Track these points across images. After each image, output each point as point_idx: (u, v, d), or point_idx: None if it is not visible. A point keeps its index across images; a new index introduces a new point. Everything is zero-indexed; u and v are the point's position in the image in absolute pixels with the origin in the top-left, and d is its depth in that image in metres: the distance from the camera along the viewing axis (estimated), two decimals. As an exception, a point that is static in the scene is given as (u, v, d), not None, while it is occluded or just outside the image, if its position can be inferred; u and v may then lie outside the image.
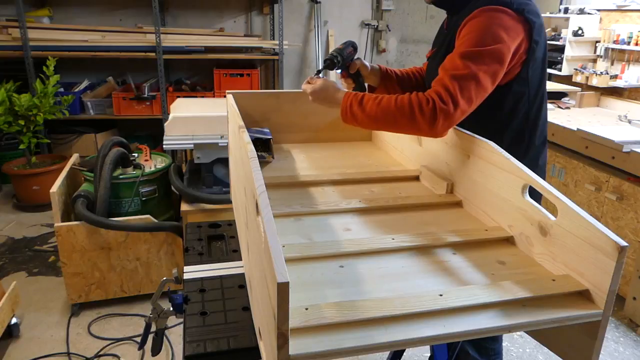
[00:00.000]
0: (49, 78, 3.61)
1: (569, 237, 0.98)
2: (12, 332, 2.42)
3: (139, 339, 2.33)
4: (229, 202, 2.19)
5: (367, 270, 1.03)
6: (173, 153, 3.64)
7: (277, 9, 4.36)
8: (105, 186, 2.53)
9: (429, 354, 2.34)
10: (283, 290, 0.69)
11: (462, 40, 1.29)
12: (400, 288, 0.96)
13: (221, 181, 2.70)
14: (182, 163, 3.62)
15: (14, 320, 2.42)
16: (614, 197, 2.74)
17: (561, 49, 3.79)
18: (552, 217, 1.03)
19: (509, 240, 1.17)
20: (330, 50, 1.58)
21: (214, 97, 4.28)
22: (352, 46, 1.58)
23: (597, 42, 3.72)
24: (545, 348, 1.11)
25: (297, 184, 1.49)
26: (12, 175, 3.83)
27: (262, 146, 1.70)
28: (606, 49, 3.60)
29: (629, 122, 3.23)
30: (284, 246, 1.06)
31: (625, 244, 0.87)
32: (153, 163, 2.87)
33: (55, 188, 2.47)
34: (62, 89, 4.07)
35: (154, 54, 4.09)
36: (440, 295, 0.90)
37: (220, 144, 2.57)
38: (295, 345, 0.76)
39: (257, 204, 0.88)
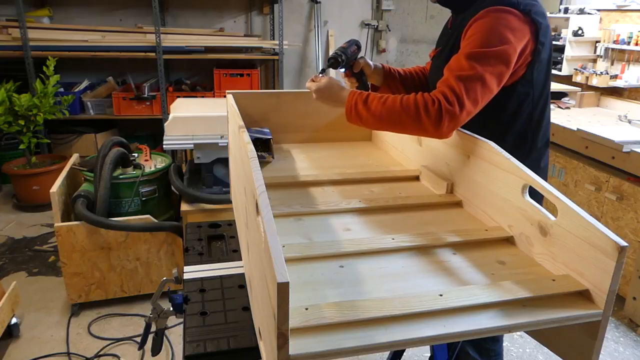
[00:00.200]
0: (49, 78, 3.61)
1: (569, 237, 0.98)
2: (12, 332, 2.42)
3: (139, 339, 2.33)
4: (229, 202, 2.19)
5: (367, 270, 1.03)
6: (173, 153, 3.64)
7: (277, 9, 4.36)
8: (105, 186, 2.53)
9: (429, 354, 2.34)
10: (283, 290, 0.69)
11: (468, 41, 1.28)
12: (400, 288, 0.96)
13: (221, 181, 2.70)
14: (182, 163, 3.62)
15: (14, 320, 2.42)
16: (614, 197, 2.74)
17: (561, 49, 3.79)
18: (552, 217, 1.03)
19: (509, 240, 1.17)
20: (334, 49, 1.57)
21: (214, 97, 4.28)
22: (355, 45, 1.57)
23: (597, 42, 3.72)
24: (545, 348, 1.11)
25: (297, 184, 1.49)
26: (12, 175, 3.83)
27: (262, 146, 1.69)
28: (606, 49, 3.60)
29: (629, 122, 3.23)
30: (284, 246, 1.06)
31: (625, 244, 0.87)
32: (153, 163, 2.87)
33: (55, 188, 2.47)
34: (62, 89, 4.07)
35: (154, 54, 4.09)
36: (440, 295, 0.90)
37: (220, 144, 2.57)
38: (295, 345, 0.76)
39: (257, 204, 0.88)
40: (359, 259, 1.07)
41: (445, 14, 1.53)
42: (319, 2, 4.74)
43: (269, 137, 1.72)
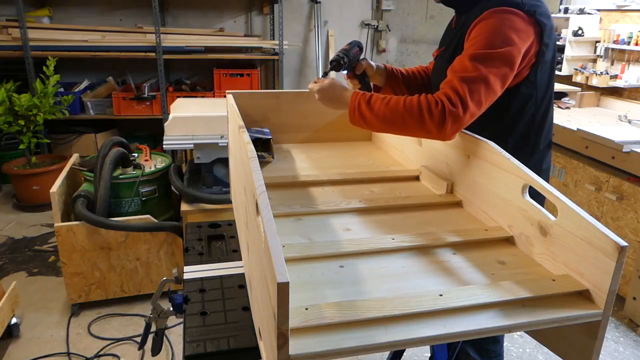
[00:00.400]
0: (49, 78, 3.61)
1: (569, 237, 0.98)
2: (12, 332, 2.42)
3: (139, 339, 2.33)
4: (229, 202, 2.19)
5: (367, 270, 1.03)
6: (173, 153, 3.64)
7: (277, 9, 4.36)
8: (105, 186, 2.53)
9: (429, 354, 2.34)
10: (283, 290, 0.69)
11: (472, 42, 1.27)
12: (400, 288, 0.96)
13: (221, 181, 2.70)
14: (182, 163, 3.62)
15: (14, 320, 2.42)
16: (614, 197, 2.74)
17: (561, 49, 3.79)
18: (552, 217, 1.03)
19: (509, 240, 1.17)
20: (335, 50, 1.57)
21: (214, 97, 4.28)
22: (358, 46, 1.56)
23: (597, 42, 3.72)
24: (545, 348, 1.11)
25: (297, 184, 1.49)
26: (12, 175, 3.83)
27: (262, 146, 1.69)
28: (606, 49, 3.60)
29: (629, 122, 3.23)
30: (284, 246, 1.06)
31: (625, 244, 0.87)
32: (153, 163, 2.87)
33: (55, 188, 2.47)
34: (62, 89, 4.07)
35: (154, 54, 4.09)
36: (440, 295, 0.90)
37: (220, 144, 2.57)
38: (295, 345, 0.76)
39: (257, 204, 0.88)
40: (359, 259, 1.07)
41: (446, 13, 1.53)
42: (319, 2, 4.74)
43: (269, 137, 1.72)
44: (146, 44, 4.10)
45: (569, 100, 3.78)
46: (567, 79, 3.88)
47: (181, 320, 1.63)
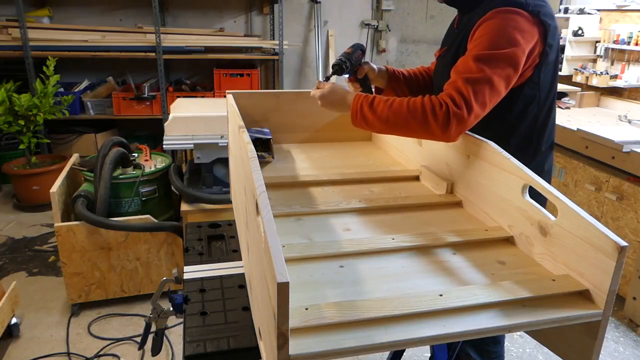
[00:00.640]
0: (49, 78, 3.61)
1: (569, 237, 0.98)
2: (12, 332, 2.42)
3: (139, 339, 2.33)
4: (229, 202, 2.19)
5: (367, 270, 1.03)
6: (173, 153, 3.64)
7: (277, 9, 4.36)
8: (105, 186, 2.53)
9: (429, 354, 2.34)
10: (283, 290, 0.69)
11: (476, 42, 1.26)
12: (400, 288, 0.96)
13: (221, 181, 2.70)
14: (182, 163, 3.63)
15: (14, 320, 2.42)
16: (614, 197, 2.74)
17: (561, 49, 3.79)
18: (552, 217, 1.03)
19: (509, 240, 1.17)
20: (337, 52, 1.56)
21: (214, 97, 4.28)
22: (360, 50, 1.55)
23: (597, 42, 3.72)
24: (545, 348, 1.11)
25: (297, 184, 1.49)
26: (12, 175, 3.83)
27: (262, 146, 1.69)
28: (606, 49, 3.60)
29: (629, 122, 3.23)
30: (284, 246, 1.06)
31: (625, 244, 0.87)
32: (153, 163, 2.87)
33: (55, 188, 2.47)
34: (62, 89, 4.07)
35: (154, 54, 4.09)
36: (440, 295, 0.90)
37: (220, 144, 2.57)
38: (295, 345, 0.76)
39: (257, 204, 0.88)
40: (359, 259, 1.07)
41: (446, 13, 1.53)
42: (319, 2, 4.74)
43: (269, 137, 1.72)
44: (146, 44, 4.10)
45: (569, 100, 3.78)
46: (567, 79, 3.88)
47: (181, 320, 1.63)
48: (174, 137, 2.58)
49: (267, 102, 1.83)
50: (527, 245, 1.12)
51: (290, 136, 1.89)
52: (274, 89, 4.76)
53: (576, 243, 0.96)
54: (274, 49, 4.40)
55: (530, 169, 1.11)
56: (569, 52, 3.77)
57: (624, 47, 3.44)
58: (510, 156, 1.16)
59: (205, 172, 2.67)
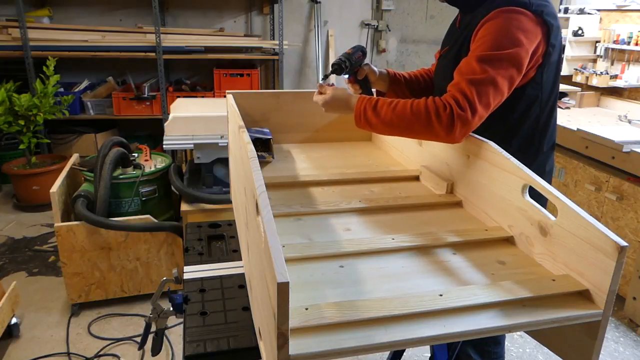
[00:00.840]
0: (49, 78, 3.61)
1: (569, 237, 0.98)
2: (12, 332, 2.42)
3: (139, 339, 2.33)
4: (229, 202, 2.19)
5: (367, 270, 1.03)
6: (173, 153, 3.64)
7: (277, 9, 4.36)
8: (105, 186, 2.53)
9: (429, 354, 2.34)
10: (283, 290, 0.69)
11: (479, 42, 1.25)
12: (400, 288, 0.96)
13: (221, 181, 2.70)
14: (182, 163, 3.62)
15: (14, 320, 2.42)
16: (614, 197, 2.74)
17: (562, 49, 3.79)
18: (552, 217, 1.03)
19: (509, 240, 1.17)
20: (337, 52, 1.56)
21: (214, 97, 4.28)
22: (361, 51, 1.55)
23: (597, 42, 3.72)
24: (545, 348, 1.11)
25: (297, 184, 1.49)
26: (12, 175, 3.83)
27: (262, 146, 1.70)
28: (606, 49, 3.60)
29: (629, 122, 3.23)
30: (284, 246, 1.06)
31: (625, 244, 0.87)
32: (153, 163, 2.87)
33: (55, 188, 2.47)
34: (62, 89, 4.07)
35: (154, 54, 4.09)
36: (440, 295, 0.90)
37: (220, 144, 2.57)
38: (295, 345, 0.76)
39: (257, 204, 0.88)
40: (359, 259, 1.07)
41: (446, 13, 1.53)
42: (319, 2, 4.74)
43: (269, 137, 1.72)
44: (146, 44, 4.10)
45: (569, 100, 3.78)
46: (567, 79, 3.88)
47: (181, 320, 1.63)
48: (174, 137, 2.58)
49: (267, 102, 1.83)
50: (527, 245, 1.12)
51: (290, 136, 1.89)
52: (274, 89, 4.76)
53: (576, 243, 0.96)
54: (274, 49, 4.40)
55: (532, 170, 1.11)
56: (569, 52, 3.77)
57: (624, 47, 3.44)
58: (510, 156, 1.16)
59: (205, 172, 2.67)
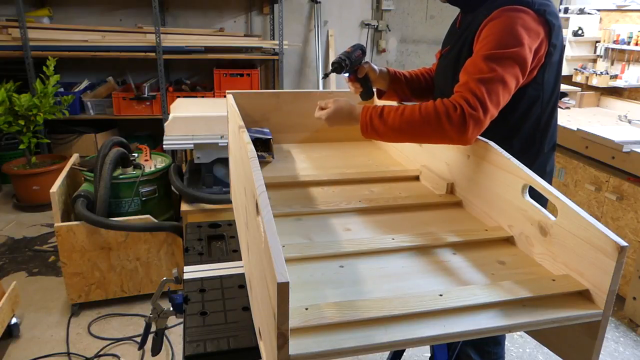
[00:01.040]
0: (49, 78, 3.61)
1: (569, 237, 0.98)
2: (12, 332, 2.42)
3: (139, 339, 2.33)
4: (229, 202, 2.19)
5: (367, 270, 1.03)
6: (173, 153, 3.64)
7: (277, 9, 4.36)
8: (105, 186, 2.53)
9: (429, 354, 2.34)
10: (283, 290, 0.69)
11: (484, 42, 1.25)
12: (400, 288, 0.96)
13: (221, 181, 2.70)
14: (182, 163, 3.62)
15: (14, 320, 2.42)
16: (614, 197, 2.74)
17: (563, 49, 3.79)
18: (552, 217, 1.03)
19: (509, 240, 1.17)
20: (337, 52, 1.56)
21: (214, 97, 4.28)
22: (360, 49, 1.55)
23: (597, 42, 3.72)
24: (545, 348, 1.11)
25: (297, 184, 1.49)
26: (12, 175, 3.83)
27: (262, 146, 1.70)
28: (606, 49, 3.60)
29: (629, 122, 3.23)
30: (284, 246, 1.06)
31: (625, 244, 0.87)
32: (153, 163, 2.87)
33: (55, 188, 2.47)
34: (62, 89, 4.07)
35: (154, 54, 4.09)
36: (440, 295, 0.90)
37: (220, 144, 2.57)
38: (295, 345, 0.76)
39: (257, 204, 0.88)
40: (359, 259, 1.07)
41: (446, 13, 1.53)
42: (319, 2, 4.74)
43: (269, 137, 1.72)
44: (146, 44, 4.10)
45: (569, 100, 3.78)
46: (567, 79, 3.88)
47: (181, 320, 1.63)
48: (174, 137, 2.58)
49: (267, 102, 1.83)
50: (527, 245, 1.12)
51: (290, 136, 1.89)
52: (274, 89, 4.76)
53: (576, 243, 0.96)
54: (274, 49, 4.40)
55: (533, 171, 1.10)
56: (569, 52, 3.77)
57: (624, 47, 3.44)
58: (510, 156, 1.16)
59: (205, 172, 2.67)
